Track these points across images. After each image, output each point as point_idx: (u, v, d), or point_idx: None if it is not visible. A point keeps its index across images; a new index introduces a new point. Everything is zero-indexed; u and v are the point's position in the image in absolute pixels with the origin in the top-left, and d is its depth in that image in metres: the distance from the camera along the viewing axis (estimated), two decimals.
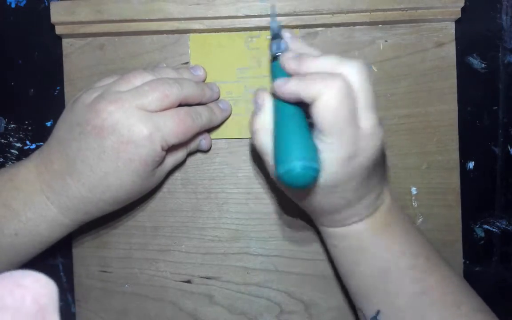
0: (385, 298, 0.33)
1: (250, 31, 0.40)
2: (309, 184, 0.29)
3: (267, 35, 0.40)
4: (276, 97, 0.32)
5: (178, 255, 0.41)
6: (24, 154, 0.41)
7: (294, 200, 0.35)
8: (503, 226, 0.41)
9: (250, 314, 0.40)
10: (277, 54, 0.34)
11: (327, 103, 0.28)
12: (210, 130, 0.40)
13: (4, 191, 0.33)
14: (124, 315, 0.41)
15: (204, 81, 0.40)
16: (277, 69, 0.33)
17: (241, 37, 0.40)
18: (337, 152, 0.29)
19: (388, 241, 0.34)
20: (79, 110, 0.33)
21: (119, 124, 0.31)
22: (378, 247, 0.34)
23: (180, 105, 0.35)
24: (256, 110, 0.33)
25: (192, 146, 0.39)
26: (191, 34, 0.40)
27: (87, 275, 0.41)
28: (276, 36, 0.35)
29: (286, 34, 0.35)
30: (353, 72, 0.29)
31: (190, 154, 0.40)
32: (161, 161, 0.35)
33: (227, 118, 0.40)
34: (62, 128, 0.34)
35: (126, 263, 0.41)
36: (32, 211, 0.33)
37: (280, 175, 0.28)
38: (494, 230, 0.41)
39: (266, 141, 0.32)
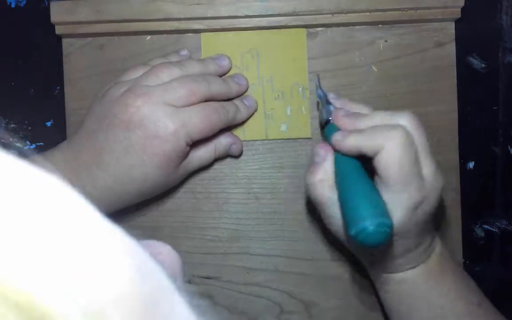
0: None
1: (251, 30, 0.40)
2: (383, 242, 0.28)
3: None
4: (336, 151, 0.32)
5: None
6: (24, 154, 0.41)
7: (357, 254, 0.35)
8: (503, 226, 0.41)
9: (250, 314, 0.40)
10: (328, 119, 0.34)
11: (391, 153, 0.28)
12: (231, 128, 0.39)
13: None
14: None
15: (229, 70, 0.39)
16: (331, 130, 0.33)
17: (253, 35, 0.40)
18: (404, 202, 0.29)
19: (444, 287, 0.34)
20: (108, 103, 0.34)
21: (146, 118, 0.32)
22: (434, 293, 0.33)
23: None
24: (316, 161, 0.33)
25: (221, 150, 0.38)
26: (203, 33, 0.40)
27: None
28: (323, 102, 0.36)
29: (331, 95, 0.36)
30: (409, 122, 0.30)
31: (220, 159, 0.40)
32: (185, 157, 0.35)
33: (252, 115, 0.40)
34: (91, 121, 0.35)
35: None
36: None
37: (353, 236, 0.28)
38: (494, 230, 0.41)
39: (326, 194, 0.32)
